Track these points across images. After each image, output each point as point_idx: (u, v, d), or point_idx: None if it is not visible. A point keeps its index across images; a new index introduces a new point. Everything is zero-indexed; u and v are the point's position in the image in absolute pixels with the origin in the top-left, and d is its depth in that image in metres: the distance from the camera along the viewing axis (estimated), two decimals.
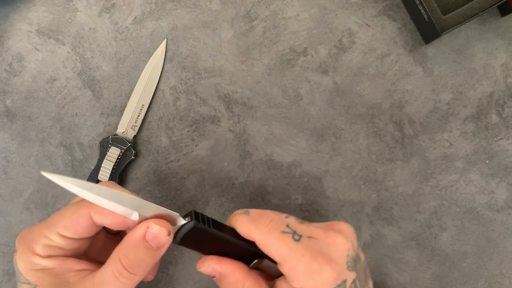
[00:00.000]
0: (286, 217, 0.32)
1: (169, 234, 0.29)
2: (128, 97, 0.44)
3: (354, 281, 0.31)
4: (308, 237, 0.31)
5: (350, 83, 0.43)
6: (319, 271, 0.29)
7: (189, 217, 0.29)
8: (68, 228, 0.30)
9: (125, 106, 0.44)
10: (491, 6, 0.39)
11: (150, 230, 0.28)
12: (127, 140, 0.44)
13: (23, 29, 0.45)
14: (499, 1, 0.39)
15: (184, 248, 0.30)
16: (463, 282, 0.43)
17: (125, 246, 0.29)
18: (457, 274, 0.43)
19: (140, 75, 0.44)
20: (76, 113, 0.45)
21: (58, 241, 0.30)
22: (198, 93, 0.44)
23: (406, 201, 0.43)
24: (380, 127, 0.43)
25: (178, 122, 0.44)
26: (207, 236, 0.29)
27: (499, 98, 0.43)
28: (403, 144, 0.43)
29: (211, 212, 0.44)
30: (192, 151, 0.44)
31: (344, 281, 0.30)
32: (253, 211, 0.32)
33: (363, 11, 0.43)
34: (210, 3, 0.44)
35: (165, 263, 0.43)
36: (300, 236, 0.30)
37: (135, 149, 0.44)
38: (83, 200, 0.30)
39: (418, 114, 0.43)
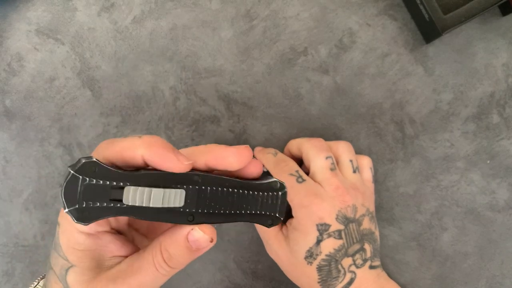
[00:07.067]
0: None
1: (211, 241, 0.29)
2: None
3: (339, 232, 0.36)
4: (315, 182, 0.37)
5: (350, 83, 0.43)
6: (307, 206, 0.36)
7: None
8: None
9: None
10: (492, 5, 0.39)
11: (193, 234, 0.28)
12: None
13: (22, 29, 0.45)
14: (500, 1, 0.39)
15: None
16: (464, 282, 0.42)
17: (168, 239, 0.29)
18: (458, 275, 0.42)
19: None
20: (75, 113, 0.45)
21: None
22: (198, 93, 0.44)
23: (407, 201, 0.43)
24: (380, 127, 0.43)
25: (178, 122, 0.44)
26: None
27: (500, 98, 0.43)
28: (403, 144, 0.43)
29: None
30: None
31: (327, 225, 0.36)
32: (279, 155, 0.40)
33: (363, 10, 0.43)
34: (210, 3, 0.44)
35: None
36: (304, 180, 0.37)
37: None
38: (131, 139, 0.27)
39: (419, 114, 0.43)
